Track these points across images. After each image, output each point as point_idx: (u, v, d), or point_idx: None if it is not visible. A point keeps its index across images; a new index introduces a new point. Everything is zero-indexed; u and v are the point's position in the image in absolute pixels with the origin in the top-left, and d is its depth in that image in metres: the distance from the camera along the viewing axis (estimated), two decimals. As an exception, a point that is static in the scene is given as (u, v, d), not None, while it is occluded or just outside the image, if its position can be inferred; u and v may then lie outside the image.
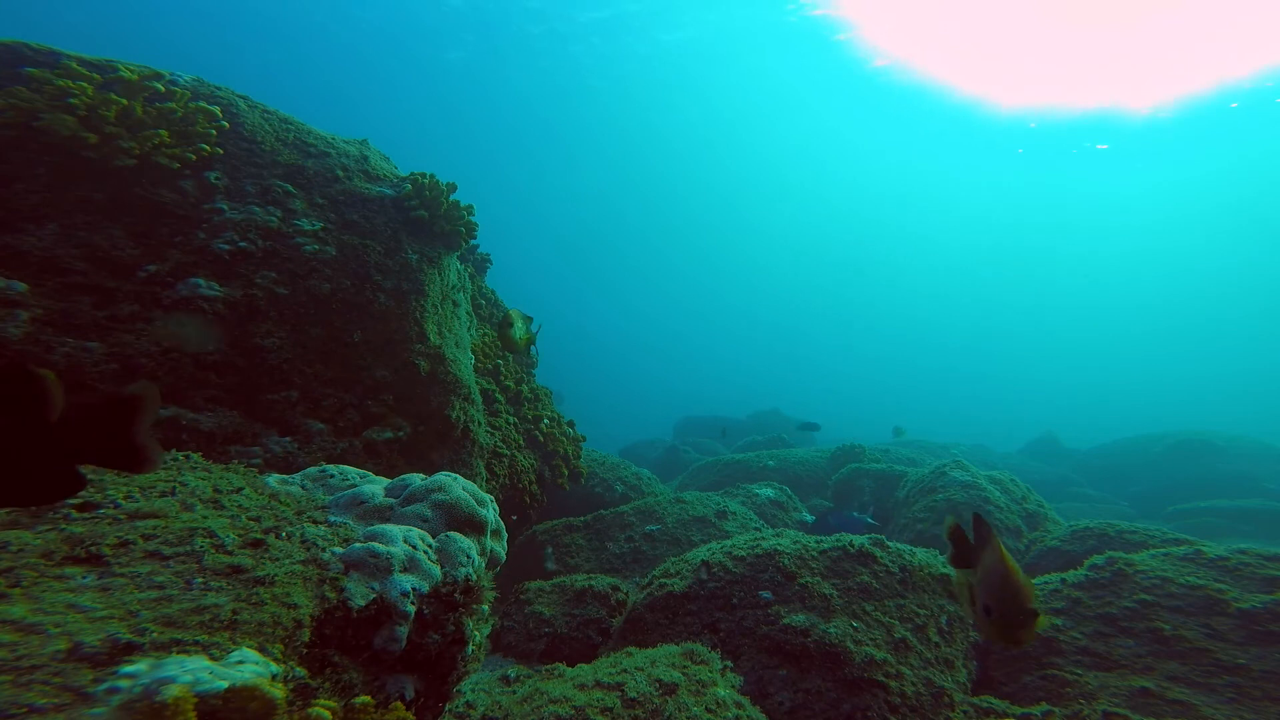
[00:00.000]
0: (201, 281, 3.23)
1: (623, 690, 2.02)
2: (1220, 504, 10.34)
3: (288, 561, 1.55)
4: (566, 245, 75.36)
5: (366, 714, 1.31)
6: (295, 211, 3.70)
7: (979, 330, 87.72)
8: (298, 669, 1.33)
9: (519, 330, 3.36)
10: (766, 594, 3.12)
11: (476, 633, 2.04)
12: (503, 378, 5.69)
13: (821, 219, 64.49)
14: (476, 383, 4.70)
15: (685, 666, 2.24)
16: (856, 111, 37.45)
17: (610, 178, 54.75)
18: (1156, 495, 12.15)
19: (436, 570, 1.84)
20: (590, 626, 3.78)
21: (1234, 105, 27.51)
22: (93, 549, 1.38)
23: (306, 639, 1.43)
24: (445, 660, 1.86)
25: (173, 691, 1.01)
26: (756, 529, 5.67)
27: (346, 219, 3.89)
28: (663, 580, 3.38)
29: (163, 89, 3.46)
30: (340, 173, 4.06)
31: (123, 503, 1.59)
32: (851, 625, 2.93)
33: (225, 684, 1.07)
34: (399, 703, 1.55)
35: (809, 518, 6.95)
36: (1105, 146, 32.91)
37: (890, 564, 3.31)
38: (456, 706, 2.04)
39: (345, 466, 2.34)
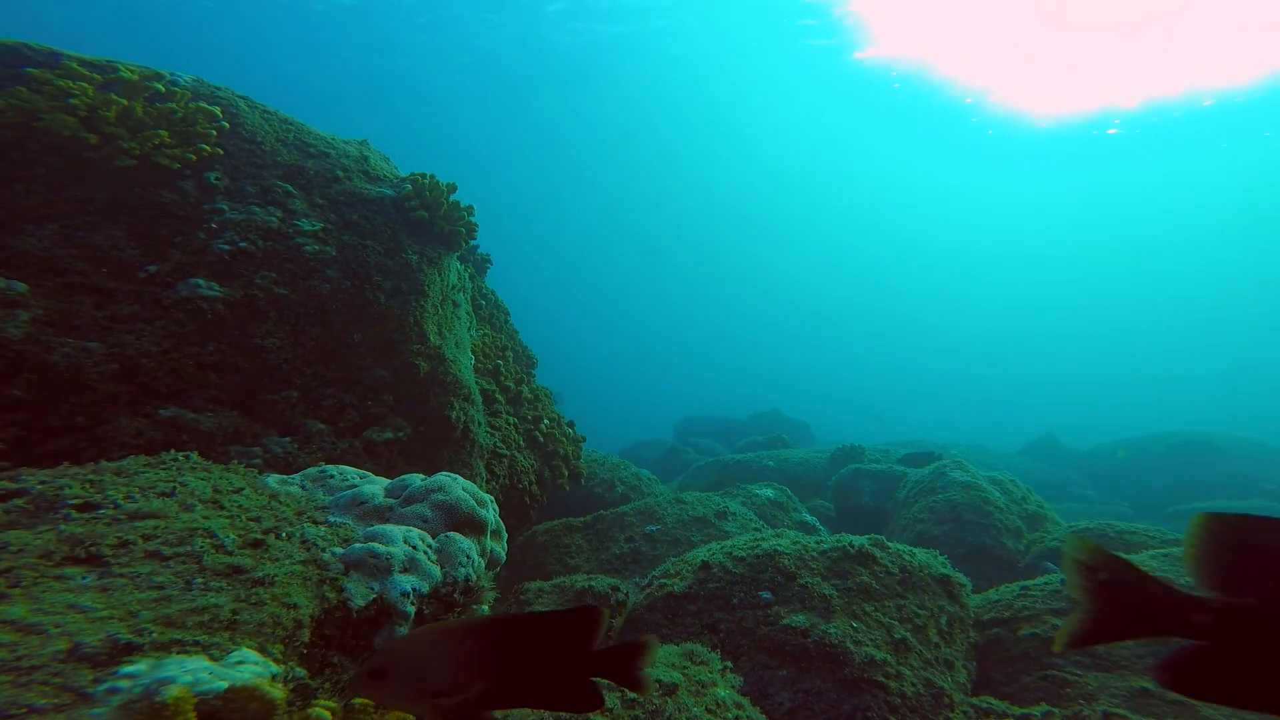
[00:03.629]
0: (201, 282, 3.23)
1: (622, 691, 2.02)
2: (1220, 504, 10.33)
3: (288, 562, 1.55)
4: (567, 246, 75.42)
5: (366, 714, 1.31)
6: (295, 212, 3.70)
7: (979, 331, 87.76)
8: (298, 669, 1.33)
9: None
10: (766, 594, 3.11)
11: (476, 633, 2.04)
12: (503, 378, 5.69)
13: (821, 221, 64.58)
14: (476, 383, 4.70)
15: (685, 667, 2.24)
16: (854, 114, 37.48)
17: (612, 179, 54.81)
18: (1156, 495, 12.13)
19: (436, 571, 1.84)
20: (590, 627, 3.77)
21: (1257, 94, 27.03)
22: (93, 549, 1.38)
23: (306, 639, 1.43)
24: (445, 661, 1.85)
25: (173, 692, 1.01)
26: (756, 529, 5.66)
27: (346, 219, 3.89)
28: (662, 581, 3.37)
29: (163, 89, 3.46)
30: (340, 173, 4.06)
31: (123, 503, 1.59)
32: (851, 626, 2.93)
33: (225, 684, 1.07)
34: (399, 703, 1.55)
35: (809, 518, 6.94)
36: (1115, 130, 31.72)
37: (890, 565, 3.31)
38: (456, 707, 2.04)
39: (345, 467, 2.33)
